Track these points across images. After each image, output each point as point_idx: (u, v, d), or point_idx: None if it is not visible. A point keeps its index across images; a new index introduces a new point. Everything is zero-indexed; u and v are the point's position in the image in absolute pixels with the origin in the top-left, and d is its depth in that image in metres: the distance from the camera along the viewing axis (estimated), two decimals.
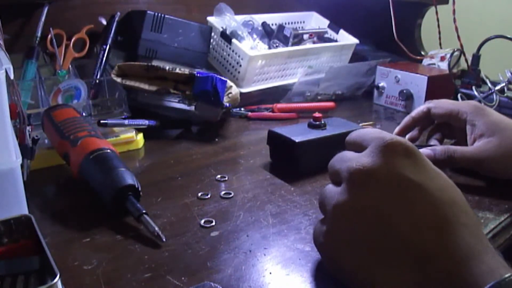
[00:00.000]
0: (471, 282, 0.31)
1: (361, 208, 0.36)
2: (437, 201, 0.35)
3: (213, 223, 0.51)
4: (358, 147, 0.40)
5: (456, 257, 0.33)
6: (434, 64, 1.04)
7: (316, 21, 1.16)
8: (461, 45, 0.97)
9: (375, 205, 0.35)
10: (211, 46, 0.99)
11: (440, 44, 1.12)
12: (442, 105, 0.65)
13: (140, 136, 0.75)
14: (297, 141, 0.62)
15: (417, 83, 0.92)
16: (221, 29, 0.96)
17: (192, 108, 0.79)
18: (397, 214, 0.34)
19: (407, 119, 0.69)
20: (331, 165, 0.41)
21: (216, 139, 0.79)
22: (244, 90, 0.93)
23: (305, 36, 1.11)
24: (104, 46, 0.89)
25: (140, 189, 0.53)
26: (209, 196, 0.58)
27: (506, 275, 0.31)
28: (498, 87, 0.89)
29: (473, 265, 0.32)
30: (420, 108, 0.68)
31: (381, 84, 0.99)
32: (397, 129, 0.69)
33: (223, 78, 0.77)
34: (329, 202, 0.38)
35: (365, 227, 0.35)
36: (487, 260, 0.32)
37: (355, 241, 0.36)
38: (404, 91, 0.93)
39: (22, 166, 0.48)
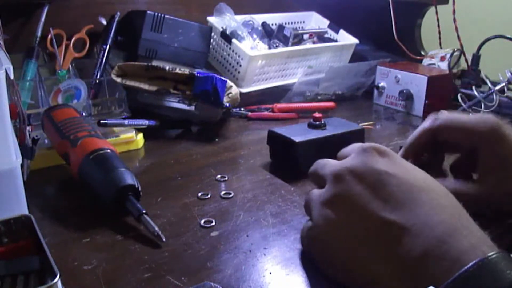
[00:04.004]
0: (450, 259, 0.32)
1: (344, 198, 0.40)
2: (413, 186, 0.38)
3: (213, 223, 0.51)
4: (343, 158, 0.44)
5: (432, 233, 0.34)
6: (434, 64, 1.04)
7: (316, 21, 1.16)
8: (461, 45, 0.97)
9: (356, 194, 0.39)
10: (211, 46, 0.99)
11: (440, 44, 1.12)
12: (452, 121, 0.53)
13: (140, 136, 0.75)
14: (297, 141, 0.62)
15: (417, 83, 0.92)
16: (221, 29, 0.96)
17: (192, 108, 0.79)
18: (375, 198, 0.38)
19: (406, 145, 0.56)
20: (314, 171, 0.46)
21: (216, 139, 0.79)
22: (244, 90, 0.93)
23: (305, 36, 1.11)
24: (104, 46, 0.90)
25: (140, 189, 0.53)
26: (209, 196, 0.58)
27: (489, 254, 0.31)
28: (498, 87, 0.89)
29: (453, 241, 0.33)
30: (422, 128, 0.55)
31: (381, 84, 0.99)
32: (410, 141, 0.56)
33: (223, 78, 0.77)
34: (316, 201, 0.42)
35: (349, 215, 0.39)
36: (468, 236, 0.33)
37: (342, 232, 0.39)
38: (404, 91, 0.93)
39: (22, 166, 0.48)
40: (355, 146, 0.43)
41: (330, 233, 0.40)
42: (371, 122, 0.85)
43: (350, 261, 0.39)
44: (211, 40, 0.98)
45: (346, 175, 0.41)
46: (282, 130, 0.66)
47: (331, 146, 0.52)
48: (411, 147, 0.55)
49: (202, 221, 0.51)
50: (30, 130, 0.57)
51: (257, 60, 0.91)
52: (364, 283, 0.38)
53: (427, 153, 0.56)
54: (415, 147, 0.55)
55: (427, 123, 0.54)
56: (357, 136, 0.67)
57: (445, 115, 0.53)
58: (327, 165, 0.44)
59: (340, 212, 0.40)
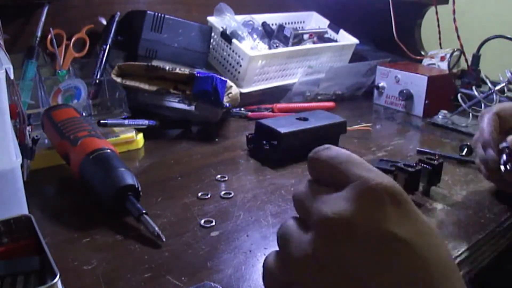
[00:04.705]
0: None
1: (331, 265, 0.29)
2: (423, 261, 0.28)
3: (213, 223, 0.51)
4: (333, 177, 0.32)
5: None
6: (434, 64, 1.04)
7: (316, 21, 1.16)
8: (461, 45, 0.97)
9: (349, 263, 0.28)
10: (211, 46, 0.99)
11: (440, 44, 1.12)
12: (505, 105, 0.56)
13: (140, 136, 0.75)
14: (282, 132, 0.67)
15: (417, 83, 0.92)
16: (221, 29, 0.96)
17: (192, 108, 0.79)
18: (374, 274, 0.28)
19: (493, 124, 0.57)
20: (299, 196, 0.33)
21: (216, 139, 0.79)
22: (244, 90, 0.93)
23: (305, 36, 1.11)
24: (104, 46, 0.89)
25: (140, 189, 0.53)
26: (209, 196, 0.58)
27: None
28: (498, 87, 0.89)
29: None
30: (488, 115, 0.58)
31: (381, 84, 0.99)
32: (489, 135, 0.57)
33: (223, 78, 0.77)
34: (291, 249, 0.31)
35: (335, 286, 0.29)
36: None
37: None
38: (404, 91, 0.93)
39: (22, 166, 0.48)
40: (357, 171, 0.30)
41: None
42: (369, 124, 0.84)
43: None
44: (211, 40, 0.98)
45: (339, 231, 0.28)
46: (269, 121, 0.71)
47: (314, 137, 0.63)
48: (494, 138, 0.56)
49: (202, 221, 0.51)
50: (30, 130, 0.56)
51: (257, 60, 0.91)
52: None
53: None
54: (496, 131, 0.56)
55: (487, 113, 0.58)
56: (339, 128, 0.73)
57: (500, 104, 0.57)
58: (317, 195, 0.31)
59: (323, 283, 0.29)
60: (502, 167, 0.54)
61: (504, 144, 0.55)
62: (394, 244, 0.28)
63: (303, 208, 0.32)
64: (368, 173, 0.30)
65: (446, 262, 0.29)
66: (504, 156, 0.54)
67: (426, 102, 0.91)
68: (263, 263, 0.34)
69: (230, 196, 0.58)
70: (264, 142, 0.67)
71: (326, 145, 0.33)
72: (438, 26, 1.08)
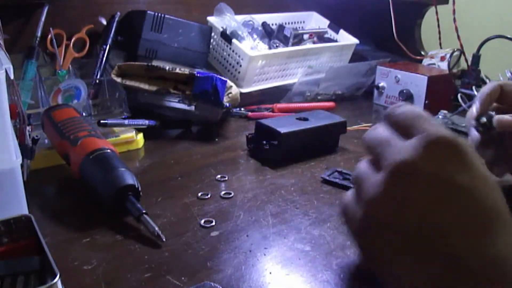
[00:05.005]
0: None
1: (399, 201, 0.34)
2: (480, 207, 0.33)
3: (213, 223, 0.51)
4: (405, 129, 0.37)
5: (485, 261, 0.32)
6: (434, 64, 1.04)
7: (316, 21, 1.16)
8: (461, 45, 0.97)
9: (414, 201, 0.34)
10: (211, 46, 0.99)
11: (440, 44, 1.12)
12: None
13: (140, 136, 0.75)
14: (282, 132, 0.66)
15: (417, 83, 0.92)
16: (221, 29, 0.96)
17: (192, 108, 0.79)
18: (435, 213, 0.33)
19: (483, 96, 0.56)
20: (370, 140, 0.39)
21: (216, 139, 0.79)
22: (244, 90, 0.93)
23: (305, 36, 1.11)
24: (104, 46, 0.90)
25: (140, 189, 0.53)
26: (209, 196, 0.58)
27: None
28: None
29: (502, 272, 0.31)
30: (491, 84, 0.57)
31: (381, 84, 0.99)
32: (475, 109, 0.57)
33: (223, 78, 0.77)
34: (367, 188, 0.37)
35: (402, 220, 0.34)
36: None
37: (389, 232, 0.35)
38: (404, 91, 0.93)
39: (22, 166, 0.48)
40: (425, 125, 0.36)
41: (379, 232, 0.36)
42: (369, 124, 0.84)
43: (388, 269, 0.36)
44: (211, 40, 0.98)
45: (407, 172, 0.34)
46: (269, 121, 0.71)
47: (314, 137, 0.66)
48: (485, 101, 0.55)
49: (202, 221, 0.51)
50: (30, 130, 0.57)
51: (257, 60, 0.91)
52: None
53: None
54: (488, 99, 0.55)
55: (492, 83, 0.56)
56: (339, 128, 0.74)
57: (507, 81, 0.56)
58: (387, 142, 0.37)
59: (392, 216, 0.35)
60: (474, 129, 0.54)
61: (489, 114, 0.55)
62: (455, 188, 0.33)
63: (374, 152, 0.38)
64: (434, 127, 0.35)
65: (498, 207, 0.34)
66: (484, 119, 0.54)
67: (426, 102, 0.91)
68: (341, 200, 0.41)
69: (230, 196, 0.58)
70: (264, 142, 0.67)
71: (401, 103, 0.39)
72: (438, 26, 1.08)
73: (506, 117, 0.53)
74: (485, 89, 0.56)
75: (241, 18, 1.04)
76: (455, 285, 0.32)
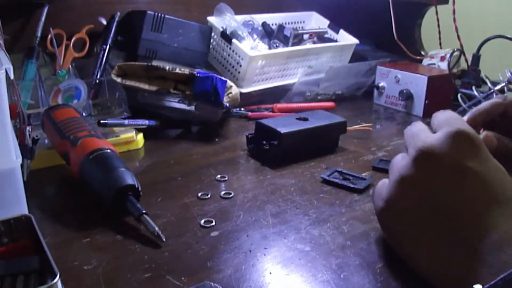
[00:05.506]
0: (501, 266, 0.33)
1: (421, 183, 0.40)
2: (487, 190, 0.38)
3: (213, 223, 0.51)
4: (436, 126, 0.43)
5: (490, 239, 0.35)
6: (434, 64, 1.04)
7: (316, 21, 1.16)
8: (461, 45, 0.97)
9: (433, 183, 0.39)
10: (211, 46, 0.99)
11: (440, 44, 1.12)
12: None
13: (140, 136, 0.75)
14: (282, 132, 0.66)
15: (417, 83, 0.92)
16: (221, 29, 0.96)
17: (192, 108, 0.79)
18: (450, 194, 0.38)
19: (477, 112, 0.53)
20: (406, 134, 0.45)
21: (216, 139, 0.79)
22: (244, 90, 0.93)
23: (305, 36, 1.11)
24: (104, 46, 0.90)
25: (140, 189, 0.53)
26: (209, 196, 0.58)
27: None
28: (498, 87, 0.89)
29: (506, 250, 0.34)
30: (494, 101, 0.53)
31: (381, 84, 0.99)
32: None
33: (223, 78, 0.77)
34: (396, 170, 0.43)
35: (422, 201, 0.40)
36: None
37: (409, 212, 0.41)
38: (404, 91, 0.93)
39: (22, 166, 0.48)
40: (448, 121, 0.42)
41: (400, 212, 0.42)
42: (369, 124, 0.84)
43: (413, 248, 0.41)
44: (211, 40, 0.98)
45: (428, 158, 0.40)
46: (269, 121, 0.71)
47: (314, 137, 0.68)
48: (481, 115, 0.52)
49: (202, 221, 0.51)
50: (30, 130, 0.57)
51: (257, 60, 0.91)
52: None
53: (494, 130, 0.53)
54: (485, 115, 0.52)
55: (498, 99, 0.53)
56: (339, 128, 0.74)
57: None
58: (416, 135, 0.43)
59: (414, 197, 0.40)
60: None
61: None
62: (467, 174, 0.38)
63: (408, 143, 0.44)
64: (459, 124, 0.41)
65: (506, 192, 0.38)
66: None
67: (426, 102, 0.91)
68: (376, 185, 0.47)
69: (230, 196, 0.58)
70: (264, 142, 0.67)
71: (442, 110, 0.46)
72: (438, 26, 1.08)
73: (490, 135, 0.50)
74: (485, 105, 0.53)
75: (241, 18, 1.04)
76: (461, 263, 0.36)
